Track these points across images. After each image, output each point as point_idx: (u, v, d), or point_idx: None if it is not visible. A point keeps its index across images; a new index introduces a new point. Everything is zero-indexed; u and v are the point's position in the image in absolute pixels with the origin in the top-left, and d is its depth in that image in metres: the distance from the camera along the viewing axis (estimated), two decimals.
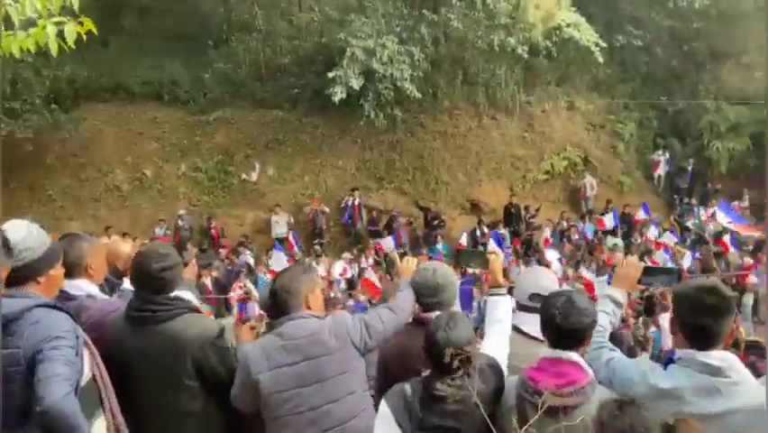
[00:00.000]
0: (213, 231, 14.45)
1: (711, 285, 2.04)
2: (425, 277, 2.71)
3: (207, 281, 12.72)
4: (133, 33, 17.69)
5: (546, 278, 2.75)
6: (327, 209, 14.95)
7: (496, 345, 2.53)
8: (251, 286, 11.08)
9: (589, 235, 15.23)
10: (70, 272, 2.57)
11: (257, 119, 15.95)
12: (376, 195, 15.74)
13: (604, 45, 15.06)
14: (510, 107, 17.17)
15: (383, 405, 2.21)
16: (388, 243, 13.77)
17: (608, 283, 2.70)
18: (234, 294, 11.46)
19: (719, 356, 2.00)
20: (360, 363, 2.54)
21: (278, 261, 11.73)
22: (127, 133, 15.62)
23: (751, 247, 13.22)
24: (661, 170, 17.38)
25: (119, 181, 15.13)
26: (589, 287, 10.36)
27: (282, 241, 14.22)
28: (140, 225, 14.67)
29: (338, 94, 12.91)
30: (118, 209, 14.96)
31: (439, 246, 14.24)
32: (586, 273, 11.94)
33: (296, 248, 13.69)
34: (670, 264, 11.92)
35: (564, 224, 15.60)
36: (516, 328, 2.69)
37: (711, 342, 2.01)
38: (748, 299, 11.21)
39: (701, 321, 2.00)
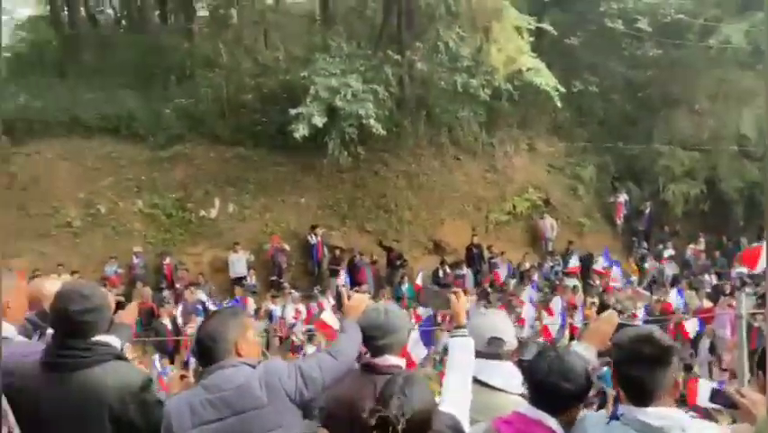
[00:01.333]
0: (165, 269, 13.93)
1: (647, 334, 1.87)
2: (375, 318, 2.50)
3: (166, 321, 12.23)
4: (93, 67, 17.41)
5: (504, 321, 2.60)
6: (288, 247, 14.66)
7: (457, 395, 2.32)
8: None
9: (551, 277, 15.32)
10: None
11: (218, 155, 15.69)
12: (338, 233, 15.54)
13: (563, 90, 15.47)
14: (473, 148, 17.38)
15: None
16: (341, 280, 13.55)
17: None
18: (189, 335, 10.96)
19: (660, 414, 1.80)
20: (296, 416, 2.29)
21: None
22: (82, 168, 15.12)
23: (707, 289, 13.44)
24: (621, 213, 17.71)
25: (71, 217, 14.54)
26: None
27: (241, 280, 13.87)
28: (92, 262, 14.07)
29: (300, 130, 12.83)
30: (69, 247, 14.32)
31: (404, 288, 14.02)
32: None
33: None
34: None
35: (526, 265, 15.63)
36: (473, 378, 2.50)
37: (648, 396, 1.82)
38: (704, 343, 11.28)
39: (636, 373, 1.82)
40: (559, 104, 15.55)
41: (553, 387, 1.89)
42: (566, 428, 1.95)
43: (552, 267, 15.66)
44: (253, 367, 2.29)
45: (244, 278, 14.10)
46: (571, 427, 1.95)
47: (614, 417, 1.92)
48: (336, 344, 2.48)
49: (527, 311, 11.67)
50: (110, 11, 23.24)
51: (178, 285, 13.48)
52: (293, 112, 13.07)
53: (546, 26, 16.18)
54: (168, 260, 14.14)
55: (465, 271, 15.01)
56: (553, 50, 17.37)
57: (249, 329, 2.40)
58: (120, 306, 3.03)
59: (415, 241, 16.18)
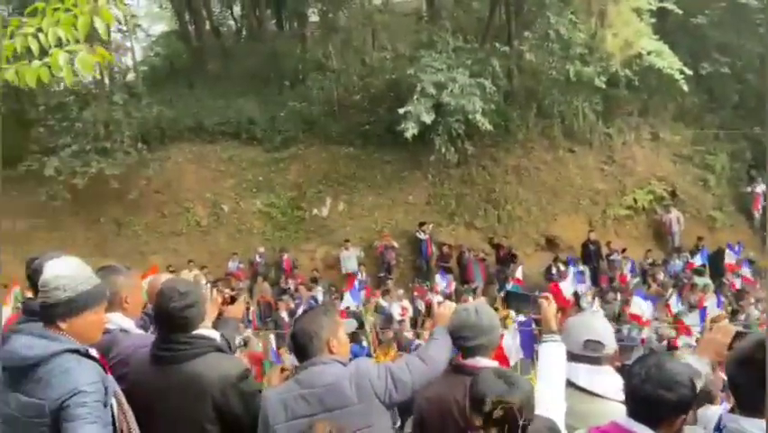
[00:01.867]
0: (284, 264, 14.63)
1: (762, 340, 1.68)
2: (466, 318, 2.45)
3: (284, 314, 12.82)
4: (217, 76, 18.70)
5: (601, 322, 2.44)
6: (396, 244, 14.82)
7: (551, 402, 2.22)
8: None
9: (677, 272, 14.17)
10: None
11: (329, 155, 16.21)
12: (446, 230, 15.46)
13: (689, 73, 14.25)
14: (589, 139, 16.54)
15: None
16: (439, 281, 13.41)
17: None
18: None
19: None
20: (384, 418, 2.30)
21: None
22: (207, 171, 16.28)
23: None
24: (760, 205, 16.04)
25: (199, 217, 15.71)
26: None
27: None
28: (217, 258, 15.11)
29: (410, 129, 12.88)
30: (198, 244, 15.49)
31: (509, 286, 13.62)
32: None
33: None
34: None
35: (649, 261, 14.62)
36: (569, 382, 2.37)
37: (759, 406, 1.63)
38: None
39: (750, 382, 1.64)
40: (685, 88, 14.36)
41: (648, 396, 1.74)
42: None
43: (678, 264, 14.50)
44: (344, 365, 2.34)
45: (355, 274, 14.43)
46: None
47: (719, 426, 1.77)
48: (427, 349, 2.47)
49: (644, 309, 10.86)
50: (231, 22, 24.80)
51: (291, 282, 14.06)
52: (401, 111, 13.14)
53: (670, 5, 14.99)
54: (286, 256, 14.84)
55: (581, 267, 14.32)
56: (679, 30, 16.09)
57: (340, 327, 2.45)
58: (232, 300, 3.19)
59: (526, 237, 15.69)
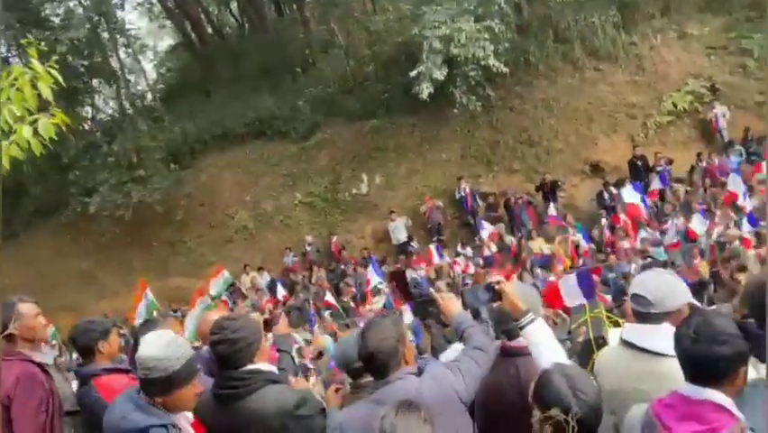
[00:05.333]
0: (333, 248, 14.83)
1: None
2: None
3: (348, 299, 12.97)
4: (229, 78, 18.80)
5: (657, 279, 2.33)
6: (441, 204, 14.76)
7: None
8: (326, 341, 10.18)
9: (732, 168, 13.53)
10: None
11: (354, 133, 16.17)
12: (487, 180, 15.26)
13: None
14: (613, 54, 15.83)
15: None
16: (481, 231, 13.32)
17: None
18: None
19: None
20: (465, 416, 2.31)
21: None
22: (242, 174, 16.56)
23: None
24: None
25: (244, 220, 16.05)
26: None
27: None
28: (271, 256, 15.46)
29: (425, 90, 12.68)
30: (249, 246, 15.87)
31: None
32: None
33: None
34: None
35: (703, 163, 14.01)
36: (626, 342, 2.33)
37: None
38: None
39: None
40: None
41: (704, 355, 1.69)
42: (736, 400, 1.74)
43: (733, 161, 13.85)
44: (417, 375, 2.32)
45: (408, 243, 14.48)
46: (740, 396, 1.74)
47: None
48: (472, 339, 2.47)
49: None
50: (232, 19, 24.77)
51: (344, 265, 14.24)
52: (413, 73, 12.92)
53: None
54: (335, 239, 15.03)
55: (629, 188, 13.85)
56: None
57: (407, 336, 2.43)
58: (266, 323, 3.18)
59: (569, 168, 15.29)
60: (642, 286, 2.33)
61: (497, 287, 2.46)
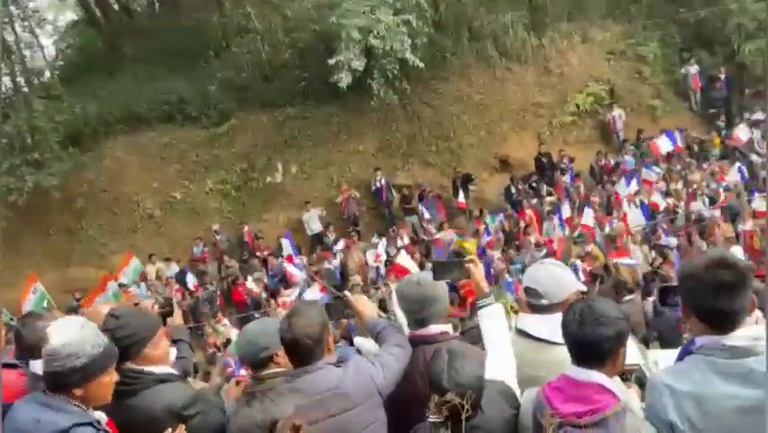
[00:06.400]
0: (246, 237, 14.53)
1: (720, 258, 1.75)
2: (411, 291, 2.49)
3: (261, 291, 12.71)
4: (137, 59, 17.81)
5: (547, 271, 2.45)
6: (358, 195, 14.83)
7: (500, 364, 2.28)
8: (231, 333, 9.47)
9: (628, 167, 14.61)
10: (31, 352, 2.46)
11: (270, 120, 15.86)
12: (403, 172, 15.49)
13: None
14: (523, 54, 16.50)
15: None
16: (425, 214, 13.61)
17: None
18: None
19: (747, 335, 1.70)
20: (382, 412, 2.32)
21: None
22: (149, 160, 15.78)
23: None
24: (698, 85, 16.37)
25: (150, 208, 15.34)
26: None
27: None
28: (179, 246, 14.90)
29: (343, 79, 12.67)
30: (155, 235, 15.19)
31: (488, 220, 13.76)
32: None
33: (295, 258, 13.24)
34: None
35: (602, 161, 14.99)
36: (520, 331, 2.46)
37: (733, 322, 1.72)
38: None
39: (720, 303, 1.71)
40: None
41: (588, 337, 1.80)
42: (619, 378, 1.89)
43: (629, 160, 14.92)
44: (338, 366, 2.30)
45: (324, 234, 14.44)
46: (622, 375, 1.89)
47: (687, 351, 1.83)
48: (389, 336, 2.51)
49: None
50: None
51: (258, 253, 14.02)
52: (331, 61, 12.86)
53: None
54: (247, 228, 14.70)
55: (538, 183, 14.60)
56: None
57: (329, 324, 2.42)
58: (164, 316, 3.03)
59: (480, 163, 15.84)
60: (532, 279, 2.46)
61: (468, 262, 2.51)
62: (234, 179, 15.50)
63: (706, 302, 1.73)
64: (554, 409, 1.79)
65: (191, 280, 13.27)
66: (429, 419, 1.93)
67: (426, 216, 13.99)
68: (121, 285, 12.48)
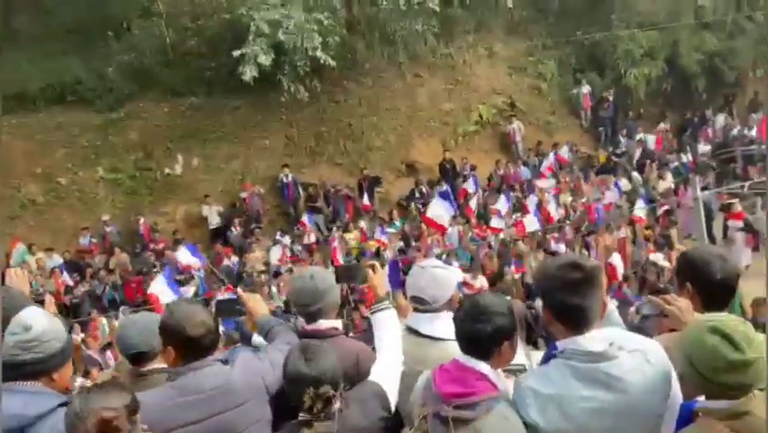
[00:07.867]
0: (142, 230, 13.82)
1: (570, 260, 1.85)
2: (303, 286, 2.48)
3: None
4: (29, 35, 16.42)
5: (427, 277, 2.52)
6: (262, 191, 14.54)
7: (385, 369, 2.32)
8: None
9: (525, 177, 15.43)
10: None
11: (171, 109, 15.20)
12: (309, 170, 15.37)
13: None
14: (432, 62, 16.95)
15: None
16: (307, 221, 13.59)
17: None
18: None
19: (600, 337, 1.80)
20: (269, 408, 2.27)
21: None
22: (34, 143, 14.60)
23: None
24: (589, 105, 17.61)
25: (33, 194, 14.19)
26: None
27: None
28: (63, 236, 13.90)
29: (248, 72, 12.42)
30: (38, 224, 14.07)
31: (397, 223, 13.94)
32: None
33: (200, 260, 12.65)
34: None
35: (501, 171, 15.69)
36: (410, 329, 2.52)
37: (587, 322, 1.81)
38: None
39: (573, 300, 1.79)
40: (510, 2, 15.07)
41: (469, 331, 1.89)
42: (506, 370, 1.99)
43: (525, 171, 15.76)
44: (225, 362, 2.24)
45: (228, 229, 14.02)
46: (510, 369, 1.98)
47: (550, 356, 1.90)
48: (284, 334, 2.50)
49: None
50: None
51: (153, 246, 13.38)
52: (237, 53, 12.55)
53: None
54: (143, 220, 13.99)
55: (444, 187, 14.94)
56: None
57: (213, 320, 2.31)
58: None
59: (387, 165, 16.05)
60: (416, 288, 2.54)
61: (367, 268, 2.59)
62: (129, 168, 14.68)
63: (558, 299, 1.82)
64: (438, 386, 1.85)
65: (70, 273, 12.47)
66: (300, 417, 1.95)
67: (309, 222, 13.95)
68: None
